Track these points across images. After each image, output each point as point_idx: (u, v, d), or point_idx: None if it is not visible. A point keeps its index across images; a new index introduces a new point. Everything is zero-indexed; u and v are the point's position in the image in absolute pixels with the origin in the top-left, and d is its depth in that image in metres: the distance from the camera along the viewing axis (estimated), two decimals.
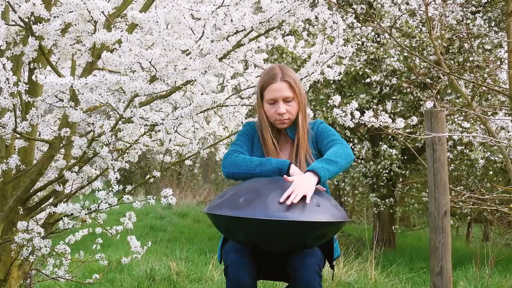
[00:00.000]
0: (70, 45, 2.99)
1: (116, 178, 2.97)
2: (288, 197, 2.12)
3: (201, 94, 3.12)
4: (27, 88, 2.77)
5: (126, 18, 3.16)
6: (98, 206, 3.08)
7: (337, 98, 3.49)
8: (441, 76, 8.36)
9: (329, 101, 3.63)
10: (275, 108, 2.46)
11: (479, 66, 8.25)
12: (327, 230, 2.19)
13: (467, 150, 8.61)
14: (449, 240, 2.83)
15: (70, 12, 2.66)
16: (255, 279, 2.28)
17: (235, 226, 2.15)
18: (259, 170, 2.34)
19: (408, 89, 8.65)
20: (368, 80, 8.73)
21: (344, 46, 3.31)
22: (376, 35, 9.17)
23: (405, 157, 9.47)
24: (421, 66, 8.52)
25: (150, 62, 2.49)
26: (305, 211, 2.10)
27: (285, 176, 2.26)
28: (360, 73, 8.74)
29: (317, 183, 2.24)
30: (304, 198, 2.14)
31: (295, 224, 2.07)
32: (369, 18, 6.75)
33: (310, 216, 2.10)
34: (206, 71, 2.62)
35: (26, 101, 2.99)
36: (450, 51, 8.87)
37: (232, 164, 2.40)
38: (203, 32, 2.48)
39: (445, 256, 2.81)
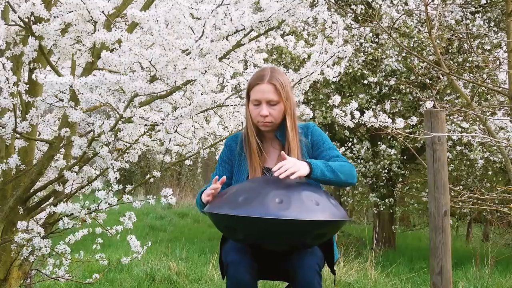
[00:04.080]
0: (70, 45, 2.99)
1: (116, 177, 2.97)
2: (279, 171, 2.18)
3: (201, 94, 3.12)
4: (27, 88, 2.77)
5: (126, 18, 3.16)
6: (98, 206, 3.08)
7: (337, 98, 3.49)
8: (441, 76, 8.37)
9: (328, 101, 3.63)
10: (258, 110, 2.42)
11: (479, 66, 8.26)
12: (326, 229, 2.19)
13: (467, 150, 8.62)
14: (449, 240, 2.83)
15: (70, 12, 2.66)
16: (255, 278, 2.28)
17: (235, 225, 2.16)
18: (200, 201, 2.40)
19: (408, 89, 8.66)
20: (366, 81, 8.74)
21: (344, 46, 3.31)
22: (375, 36, 9.17)
23: (405, 157, 9.47)
24: (421, 66, 8.52)
25: (150, 62, 2.49)
26: (304, 210, 2.11)
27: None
28: (359, 74, 8.75)
29: (307, 176, 2.24)
30: (299, 199, 2.14)
31: (295, 223, 2.07)
32: (368, 18, 6.75)
33: (309, 215, 2.10)
34: (206, 71, 2.62)
35: (26, 101, 2.99)
36: (450, 51, 8.87)
37: (197, 204, 2.48)
38: (203, 32, 2.48)
39: (445, 256, 2.81)
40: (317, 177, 2.27)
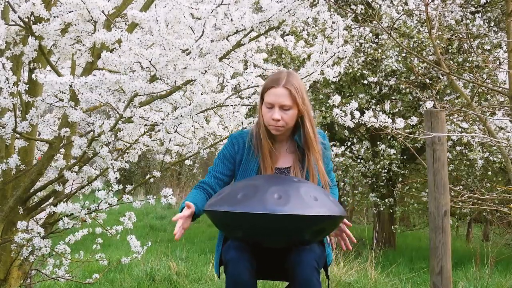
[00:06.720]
0: (70, 45, 2.99)
1: (116, 177, 2.98)
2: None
3: (201, 94, 3.12)
4: (27, 88, 2.77)
5: (126, 18, 3.16)
6: (98, 206, 3.08)
7: (337, 98, 3.48)
8: (441, 76, 8.37)
9: (328, 101, 3.63)
10: (271, 113, 2.40)
11: (479, 66, 8.26)
12: (325, 225, 2.20)
13: (466, 150, 8.62)
14: (449, 240, 2.83)
15: (70, 12, 2.66)
16: (254, 276, 2.28)
17: (234, 221, 2.16)
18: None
19: (408, 89, 8.66)
20: (366, 81, 8.75)
21: (344, 46, 3.31)
22: (375, 36, 9.18)
23: (405, 157, 9.47)
24: (421, 66, 8.52)
25: (150, 62, 2.49)
26: (303, 205, 2.11)
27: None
28: (359, 74, 8.76)
29: None
30: (297, 195, 2.18)
31: (293, 218, 2.08)
32: (368, 18, 6.75)
33: (308, 210, 2.10)
34: (206, 71, 2.62)
35: (26, 101, 2.99)
36: (450, 51, 8.88)
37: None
38: (203, 32, 2.48)
39: (445, 256, 2.81)
40: None
